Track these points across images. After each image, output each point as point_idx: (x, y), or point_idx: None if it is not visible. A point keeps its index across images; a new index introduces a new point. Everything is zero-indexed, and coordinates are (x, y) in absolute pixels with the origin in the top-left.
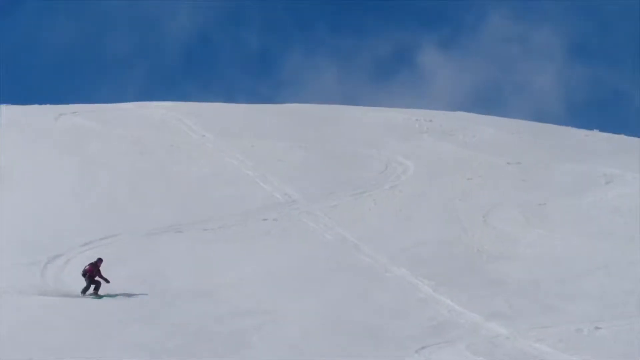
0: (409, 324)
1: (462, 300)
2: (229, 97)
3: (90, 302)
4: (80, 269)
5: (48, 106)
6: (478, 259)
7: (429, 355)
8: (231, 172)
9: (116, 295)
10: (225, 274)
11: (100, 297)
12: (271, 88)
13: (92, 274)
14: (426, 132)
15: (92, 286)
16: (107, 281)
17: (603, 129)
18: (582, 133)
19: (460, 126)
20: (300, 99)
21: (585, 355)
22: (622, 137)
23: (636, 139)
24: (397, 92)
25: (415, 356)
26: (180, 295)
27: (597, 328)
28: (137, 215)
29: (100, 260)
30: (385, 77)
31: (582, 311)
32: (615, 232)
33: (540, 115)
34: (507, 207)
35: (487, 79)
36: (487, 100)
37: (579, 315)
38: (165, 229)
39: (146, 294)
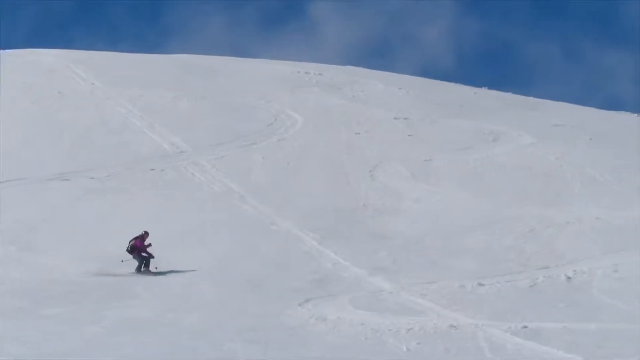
0: (293, 276)
1: (346, 254)
2: (114, 42)
3: None
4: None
5: None
6: (363, 213)
7: (312, 308)
8: (119, 121)
9: None
10: (109, 224)
11: (160, 273)
12: (159, 35)
13: (141, 248)
14: (316, 85)
15: (143, 262)
16: (151, 256)
17: (492, 86)
18: (470, 90)
19: (349, 80)
20: (189, 49)
21: (468, 310)
22: (510, 94)
23: (523, 96)
24: (287, 44)
25: (299, 309)
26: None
27: (479, 284)
28: (26, 162)
29: (146, 234)
30: (274, 28)
31: (466, 267)
32: (500, 189)
33: (430, 71)
34: (394, 162)
35: (377, 32)
36: (377, 54)
37: (462, 271)
38: (54, 177)
39: (30, 241)
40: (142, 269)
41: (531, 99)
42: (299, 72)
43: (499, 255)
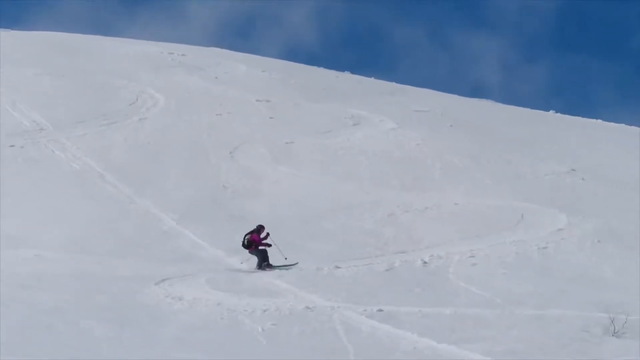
0: (150, 256)
1: (204, 234)
2: None
3: None
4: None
5: None
6: (223, 195)
7: (169, 288)
8: None
9: None
10: None
11: (288, 267)
12: (20, 10)
13: (259, 242)
14: (179, 66)
15: (262, 257)
16: (268, 245)
17: (355, 70)
18: (333, 74)
19: (213, 62)
20: (52, 26)
21: (324, 293)
22: (373, 79)
23: (386, 82)
24: (151, 23)
25: (155, 288)
26: None
27: (337, 267)
28: None
29: (262, 227)
30: (139, 6)
31: (324, 250)
32: (360, 174)
33: (294, 54)
34: (255, 144)
35: (242, 14)
36: (241, 36)
37: (320, 253)
38: None
39: None
40: (262, 265)
41: (394, 84)
42: (162, 52)
43: (358, 239)
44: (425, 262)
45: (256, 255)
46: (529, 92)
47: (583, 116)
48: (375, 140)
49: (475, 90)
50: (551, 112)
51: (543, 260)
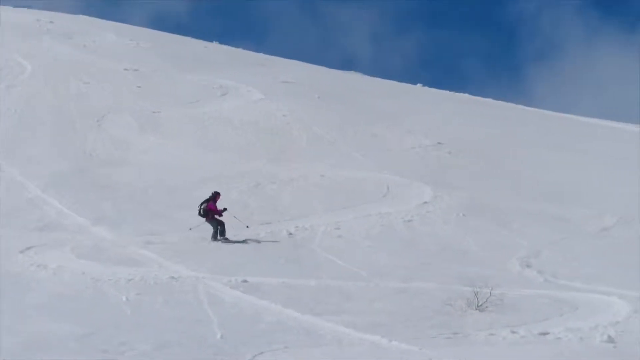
0: (15, 224)
1: (70, 203)
2: None
3: None
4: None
5: None
6: (89, 163)
7: (34, 256)
8: None
9: None
10: None
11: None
12: None
13: (215, 211)
14: (47, 33)
15: (218, 228)
16: (224, 210)
17: (223, 41)
18: (201, 44)
19: (81, 29)
20: None
21: (189, 263)
22: (241, 50)
23: (254, 52)
24: None
25: (20, 256)
26: None
27: (202, 238)
28: None
29: (217, 195)
30: None
31: (190, 220)
32: (227, 144)
33: (163, 23)
34: (122, 113)
35: None
36: (111, 3)
37: (186, 224)
38: None
39: None
40: (218, 237)
41: (262, 55)
42: (29, 19)
43: (231, 208)
44: (290, 234)
45: (211, 225)
46: (398, 65)
47: (450, 90)
48: (242, 111)
49: (345, 62)
50: (418, 85)
51: (408, 233)
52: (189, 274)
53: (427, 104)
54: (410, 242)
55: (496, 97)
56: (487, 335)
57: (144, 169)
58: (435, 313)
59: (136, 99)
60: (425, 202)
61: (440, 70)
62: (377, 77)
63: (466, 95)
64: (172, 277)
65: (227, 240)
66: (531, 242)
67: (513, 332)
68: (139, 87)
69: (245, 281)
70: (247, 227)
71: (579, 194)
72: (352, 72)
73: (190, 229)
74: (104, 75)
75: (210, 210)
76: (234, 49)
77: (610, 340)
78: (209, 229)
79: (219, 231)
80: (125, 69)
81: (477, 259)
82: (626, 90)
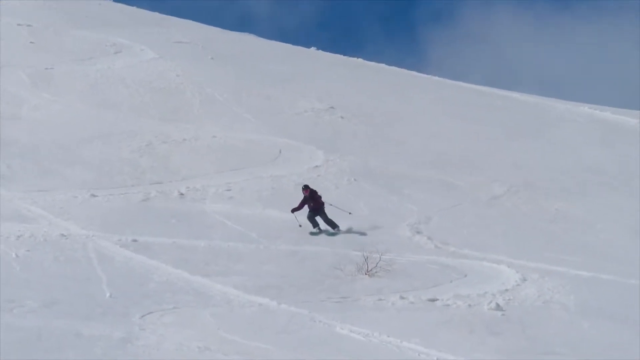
0: None
1: None
2: None
3: None
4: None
5: None
6: None
7: None
8: None
9: None
10: None
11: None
12: None
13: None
14: None
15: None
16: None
17: None
18: (95, 2)
19: None
20: None
21: (79, 221)
22: (135, 8)
23: (149, 11)
24: None
25: None
26: None
27: (92, 195)
28: None
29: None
30: None
31: (80, 178)
32: (119, 102)
33: None
34: (15, 68)
35: None
36: None
37: (76, 181)
38: None
39: None
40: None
41: (156, 14)
42: None
43: (115, 168)
44: (181, 194)
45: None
46: (293, 26)
47: (344, 54)
48: (135, 70)
49: (241, 23)
50: (312, 48)
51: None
52: (79, 231)
53: (320, 68)
54: None
55: (390, 63)
56: (376, 300)
57: (35, 126)
58: (324, 277)
59: (29, 55)
60: (317, 166)
61: (336, 33)
62: (271, 39)
63: (360, 60)
64: (62, 235)
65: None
66: (421, 208)
67: (402, 298)
68: (32, 42)
69: (135, 240)
70: (350, 213)
71: (469, 162)
72: (246, 33)
73: (300, 225)
74: None
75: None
76: (128, 7)
77: (499, 307)
78: (105, 187)
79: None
80: (18, 24)
81: (368, 223)
82: (523, 58)
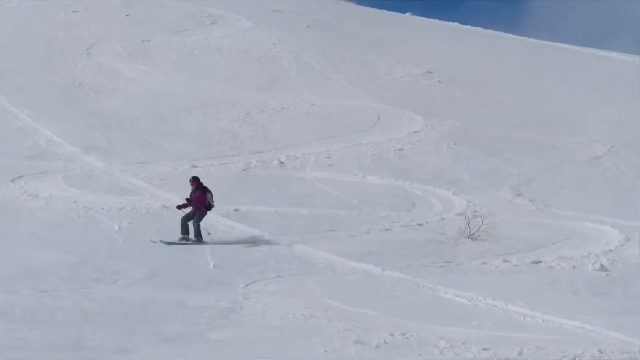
0: (6, 153)
1: (60, 131)
2: None
3: None
4: None
5: None
6: (79, 91)
7: (25, 185)
8: None
9: None
10: None
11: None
12: None
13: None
14: None
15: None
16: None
17: None
18: None
19: None
20: None
21: (180, 192)
22: None
23: None
24: None
25: (11, 185)
26: None
27: (193, 166)
28: None
29: (191, 181)
30: None
31: (180, 149)
32: (216, 72)
33: None
34: (111, 41)
35: None
36: None
37: (176, 152)
38: None
39: None
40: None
41: None
42: None
43: (213, 138)
44: (281, 162)
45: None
46: None
47: (439, 19)
48: (231, 39)
49: None
50: (408, 14)
51: (400, 161)
52: (179, 202)
53: (416, 33)
54: (402, 171)
55: (486, 26)
56: (480, 264)
57: (133, 98)
58: (427, 242)
59: (125, 27)
60: (416, 131)
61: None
62: (366, 6)
63: (455, 24)
64: (164, 206)
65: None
66: (522, 170)
67: (505, 261)
68: (128, 15)
69: (237, 210)
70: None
71: (569, 123)
72: (341, 1)
73: (209, 233)
74: (92, 3)
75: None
76: None
77: (603, 268)
78: (205, 157)
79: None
80: None
81: (469, 187)
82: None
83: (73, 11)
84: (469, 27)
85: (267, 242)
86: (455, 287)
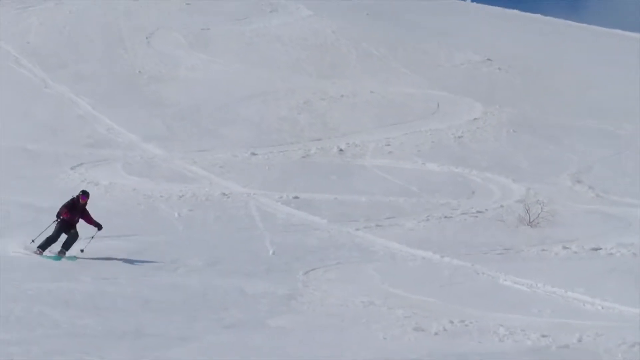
0: (66, 140)
1: (120, 119)
2: None
3: None
4: None
5: None
6: (139, 80)
7: (85, 172)
8: None
9: None
10: None
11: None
12: None
13: (72, 219)
14: None
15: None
16: (99, 227)
17: None
18: None
19: None
20: None
21: (240, 179)
22: None
23: None
24: None
25: (71, 173)
26: None
27: (253, 154)
28: None
29: (84, 195)
30: None
31: (239, 137)
32: (275, 60)
33: None
34: (171, 30)
35: None
36: None
37: (236, 140)
38: None
39: None
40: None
41: None
42: None
43: (273, 126)
44: (341, 150)
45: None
46: None
47: (501, 6)
48: (291, 27)
49: None
50: (468, 1)
51: (459, 149)
52: (240, 190)
53: (476, 21)
54: (461, 158)
55: (546, 13)
56: (539, 250)
57: (193, 86)
58: (486, 229)
59: (185, 16)
60: (476, 119)
61: None
62: None
63: (515, 11)
64: (224, 194)
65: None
66: (581, 157)
67: (565, 248)
68: (188, 4)
69: (296, 197)
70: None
71: (629, 111)
72: None
73: (33, 240)
74: None
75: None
76: None
77: None
78: (264, 145)
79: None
80: None
81: (528, 174)
82: None
83: (133, 0)
84: (529, 14)
85: (327, 230)
86: (514, 274)
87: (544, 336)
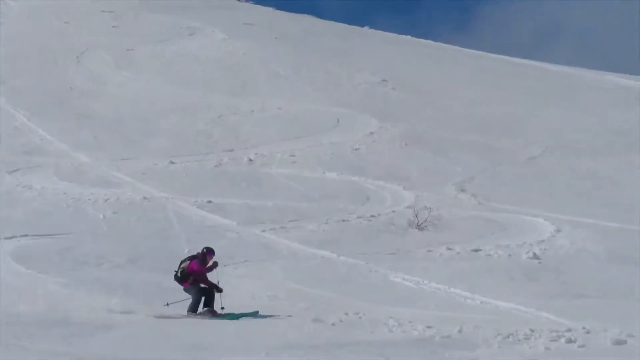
0: (4, 148)
1: (52, 130)
2: None
3: None
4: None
5: None
6: (70, 95)
7: (20, 177)
8: None
9: None
10: None
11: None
12: None
13: (200, 274)
14: None
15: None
16: (218, 290)
17: None
18: None
19: None
20: None
21: (159, 185)
22: None
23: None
24: None
25: (8, 177)
26: None
27: (171, 162)
28: None
29: (210, 253)
30: None
31: (159, 147)
32: (193, 78)
33: None
34: (99, 50)
35: None
36: None
37: (156, 150)
38: None
39: None
40: (197, 309)
41: None
42: None
43: (190, 138)
44: (250, 160)
45: (191, 294)
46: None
47: (394, 32)
48: (207, 49)
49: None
50: (366, 27)
51: (356, 159)
52: (159, 194)
53: (374, 45)
54: (358, 168)
55: (435, 39)
56: (426, 251)
57: (119, 101)
58: (379, 232)
59: (112, 38)
60: (372, 133)
61: (389, 14)
62: (330, 20)
63: (408, 37)
64: (145, 198)
65: (214, 314)
66: (465, 169)
67: (449, 249)
68: (114, 26)
69: (210, 202)
70: (223, 308)
71: (508, 127)
72: (306, 15)
73: (167, 304)
74: (83, 15)
75: (192, 272)
76: None
77: (535, 256)
78: (182, 155)
79: (202, 300)
80: (102, 11)
81: (418, 183)
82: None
83: (65, 22)
84: (420, 39)
85: (237, 231)
86: (403, 272)
87: (429, 327)
